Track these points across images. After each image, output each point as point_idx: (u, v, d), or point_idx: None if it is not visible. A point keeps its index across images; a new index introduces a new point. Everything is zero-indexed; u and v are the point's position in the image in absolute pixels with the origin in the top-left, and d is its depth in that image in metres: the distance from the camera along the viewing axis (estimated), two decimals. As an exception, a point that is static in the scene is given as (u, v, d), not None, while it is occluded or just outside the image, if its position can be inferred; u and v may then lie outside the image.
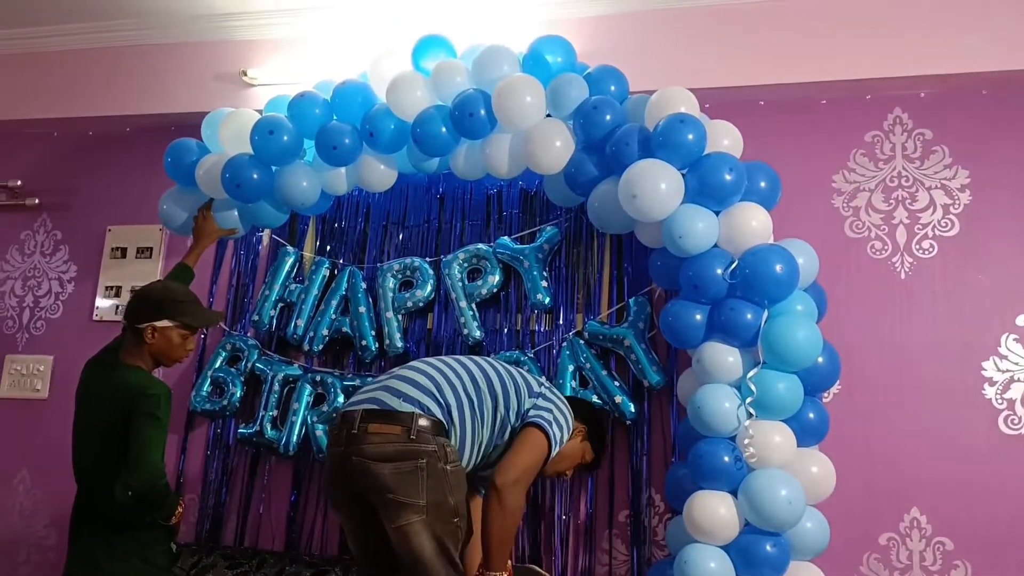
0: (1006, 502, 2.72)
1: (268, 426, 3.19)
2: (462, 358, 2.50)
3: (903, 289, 2.95)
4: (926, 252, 2.97)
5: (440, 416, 2.26)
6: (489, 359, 2.58)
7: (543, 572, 2.83)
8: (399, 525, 2.12)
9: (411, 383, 2.30)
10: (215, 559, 2.98)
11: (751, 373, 2.51)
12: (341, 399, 3.15)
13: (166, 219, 3.10)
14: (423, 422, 2.18)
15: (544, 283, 3.11)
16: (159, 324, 2.43)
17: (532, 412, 2.41)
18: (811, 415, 2.59)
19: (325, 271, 3.33)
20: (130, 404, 2.35)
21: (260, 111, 3.04)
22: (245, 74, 3.44)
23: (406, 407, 2.19)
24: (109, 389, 2.42)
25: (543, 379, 2.58)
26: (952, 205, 2.99)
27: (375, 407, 2.19)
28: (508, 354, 3.04)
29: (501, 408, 2.40)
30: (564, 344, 3.05)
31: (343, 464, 2.18)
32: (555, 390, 2.54)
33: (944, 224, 2.98)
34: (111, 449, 2.34)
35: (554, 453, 2.41)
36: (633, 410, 2.95)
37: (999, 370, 2.83)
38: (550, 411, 2.42)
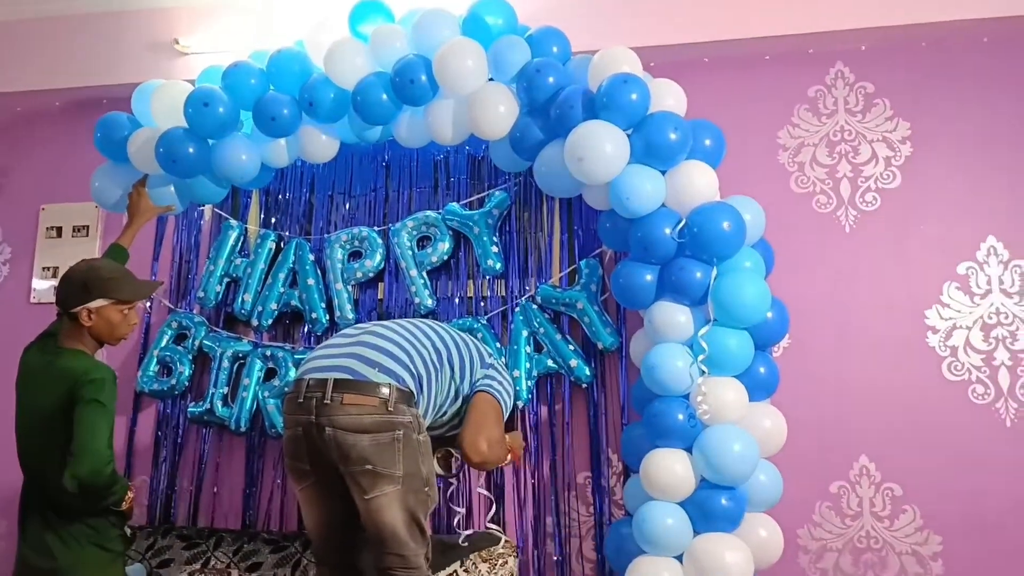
0: (951, 446, 2.80)
1: (219, 403, 3.14)
2: (420, 323, 2.51)
3: (848, 242, 2.99)
4: (869, 205, 3.01)
5: (412, 387, 2.26)
6: (446, 327, 2.59)
7: (503, 534, 2.85)
8: (374, 496, 2.11)
9: (382, 352, 2.28)
10: (171, 540, 2.94)
11: (702, 331, 2.53)
12: (292, 372, 3.11)
13: (98, 197, 2.99)
14: (398, 393, 2.17)
15: (495, 248, 3.09)
16: (93, 305, 2.35)
17: (484, 381, 2.51)
18: (762, 370, 2.62)
19: (271, 244, 3.27)
20: (73, 390, 2.27)
21: (193, 82, 2.94)
22: (177, 42, 3.33)
23: (382, 378, 2.17)
24: (50, 376, 2.34)
25: (494, 351, 2.61)
26: (894, 157, 3.02)
27: (348, 376, 2.15)
28: (461, 321, 3.02)
29: (456, 377, 2.47)
30: (517, 309, 3.04)
31: (313, 433, 2.13)
32: (503, 364, 2.66)
33: (886, 176, 3.01)
34: (56, 437, 2.28)
35: (505, 417, 2.52)
36: (588, 372, 2.96)
37: (942, 318, 2.89)
38: (501, 383, 2.54)
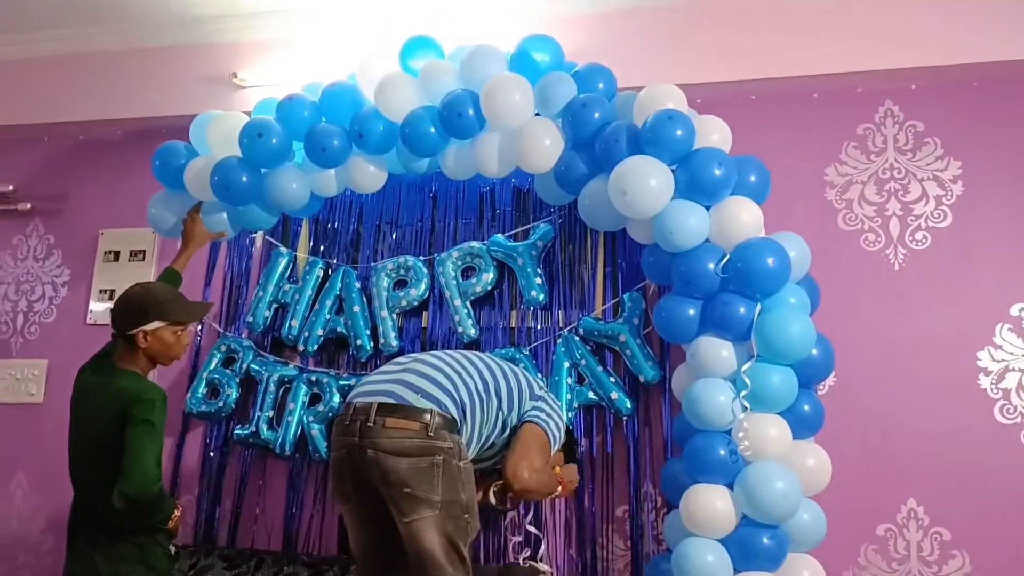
0: (1002, 491, 2.72)
1: (264, 427, 3.20)
2: (470, 355, 2.53)
3: (897, 280, 2.96)
4: (919, 243, 2.97)
5: (455, 414, 2.28)
6: (493, 357, 2.61)
7: (545, 568, 2.84)
8: (412, 520, 2.13)
9: (427, 379, 2.31)
10: (213, 560, 2.99)
11: (745, 366, 2.52)
12: (337, 399, 3.16)
13: (154, 222, 3.09)
14: (440, 419, 2.19)
15: (538, 280, 3.11)
16: (149, 327, 2.42)
17: (532, 412, 2.51)
18: (806, 407, 2.59)
19: (319, 271, 3.33)
20: (125, 410, 2.34)
21: (249, 114, 3.03)
22: (235, 76, 3.44)
23: (424, 403, 2.21)
24: (104, 396, 2.41)
25: (543, 383, 2.61)
26: (944, 196, 2.99)
27: (391, 401, 2.19)
28: (503, 351, 3.04)
29: (504, 408, 2.47)
30: (559, 341, 3.05)
31: (356, 455, 2.18)
32: (553, 397, 2.64)
33: (937, 215, 2.98)
34: (107, 456, 2.34)
35: (554, 449, 2.49)
36: (629, 406, 2.95)
37: (994, 360, 2.83)
38: (549, 415, 2.53)
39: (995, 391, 2.81)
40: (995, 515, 2.71)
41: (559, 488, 2.58)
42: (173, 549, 2.48)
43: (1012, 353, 2.82)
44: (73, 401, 2.50)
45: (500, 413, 2.46)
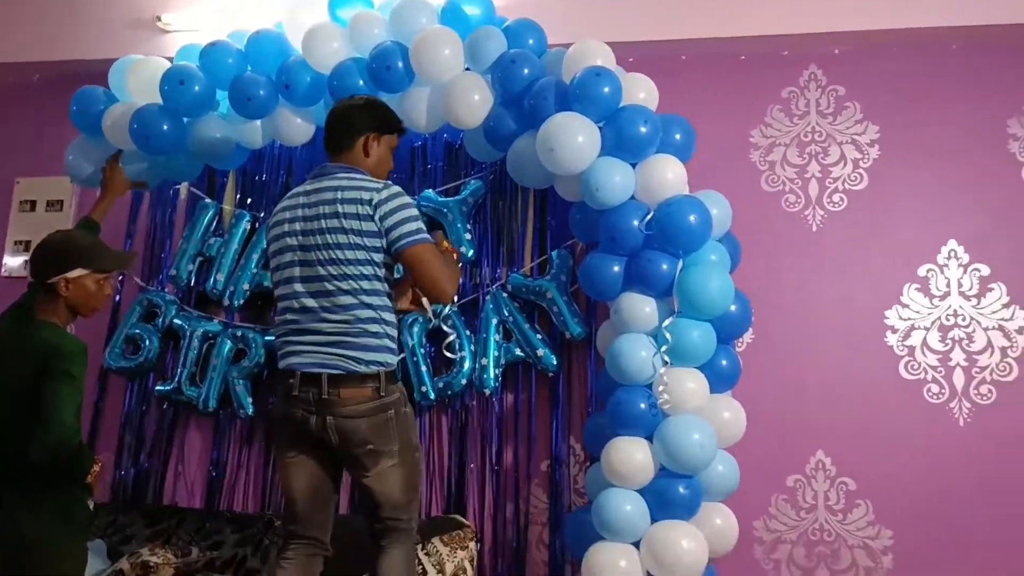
0: (905, 443, 2.86)
1: (186, 383, 3.16)
2: (334, 283, 2.29)
3: (814, 241, 3.05)
4: (836, 205, 3.07)
5: (394, 362, 2.33)
6: (332, 252, 2.29)
7: (466, 521, 2.89)
8: (377, 471, 2.26)
9: (359, 340, 2.27)
10: (133, 518, 2.96)
11: (666, 322, 2.57)
12: (263, 354, 3.13)
13: (72, 170, 2.99)
14: (385, 376, 2.28)
15: (468, 236, 3.12)
16: (71, 275, 2.35)
17: (401, 240, 2.26)
18: (724, 362, 2.67)
19: (246, 224, 3.28)
20: (44, 362, 2.28)
21: (171, 59, 2.95)
22: (159, 20, 3.33)
23: (371, 368, 2.26)
24: (22, 348, 2.34)
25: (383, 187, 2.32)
26: (862, 159, 3.08)
27: (340, 372, 2.25)
28: (434, 307, 3.03)
29: (380, 274, 2.31)
30: (488, 297, 3.07)
31: (314, 421, 2.26)
32: (389, 193, 2.29)
33: (854, 178, 3.07)
34: (25, 409, 2.28)
35: (433, 239, 2.33)
36: (555, 362, 3.00)
37: (901, 318, 2.96)
38: (411, 230, 2.27)
39: (901, 348, 2.93)
40: (898, 467, 2.85)
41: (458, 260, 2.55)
42: (91, 505, 2.44)
43: (918, 312, 2.95)
44: None
45: (380, 282, 2.31)
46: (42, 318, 2.37)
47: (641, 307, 2.62)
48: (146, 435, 3.22)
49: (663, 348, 2.56)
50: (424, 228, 2.29)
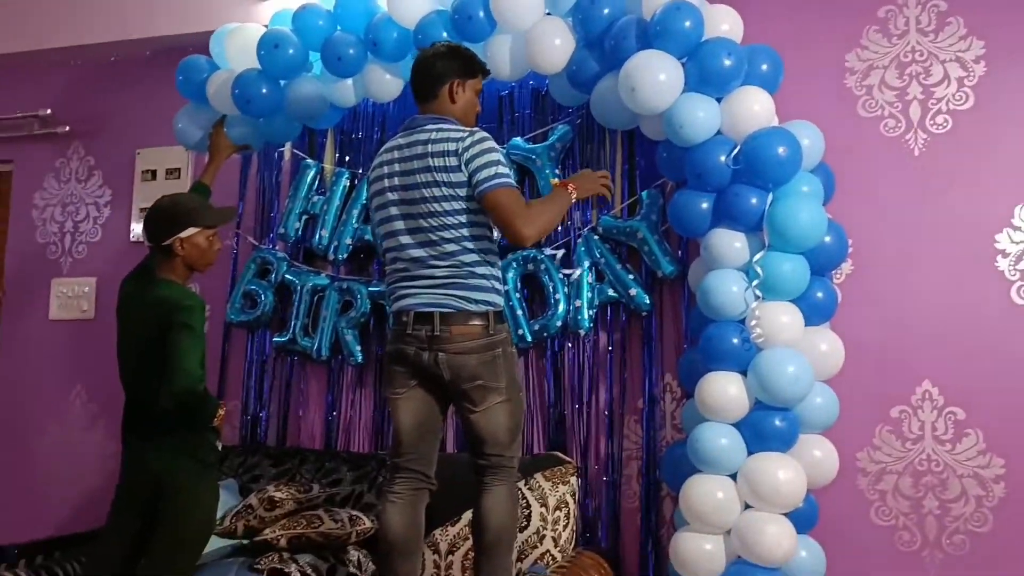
0: (1017, 370, 2.76)
1: (300, 334, 3.36)
2: (437, 235, 2.37)
3: (917, 166, 2.94)
4: (940, 127, 2.94)
5: (501, 303, 2.44)
6: (430, 205, 2.37)
7: (566, 458, 2.98)
8: (484, 408, 2.36)
9: (465, 279, 2.37)
10: (259, 459, 3.20)
11: (757, 256, 2.56)
12: (368, 305, 3.29)
13: (181, 137, 3.19)
14: (494, 315, 2.39)
15: (556, 180, 3.14)
16: (184, 234, 2.54)
17: (476, 185, 2.32)
18: (819, 294, 2.63)
19: (345, 182, 3.42)
20: (166, 317, 2.48)
21: (266, 26, 3.08)
22: (254, -12, 3.47)
23: (481, 308, 2.37)
24: (146, 305, 2.56)
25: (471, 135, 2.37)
26: (967, 78, 2.93)
27: (451, 310, 2.36)
28: (526, 252, 3.11)
29: (481, 219, 2.38)
30: (579, 240, 3.12)
31: (425, 356, 2.37)
32: (478, 140, 2.35)
33: (959, 98, 2.93)
34: (152, 360, 2.49)
35: (515, 184, 2.38)
36: (648, 301, 3.03)
37: (1012, 241, 2.83)
38: (484, 166, 2.32)
39: (1012, 272, 2.81)
40: (1009, 394, 2.75)
41: (573, 193, 2.47)
42: (219, 446, 2.65)
43: (1032, 234, 2.81)
44: (118, 311, 2.65)
45: (483, 228, 2.39)
46: (162, 277, 2.57)
47: (731, 242, 2.61)
48: (267, 383, 3.45)
49: (754, 283, 2.55)
50: (505, 172, 2.33)
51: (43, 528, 3.29)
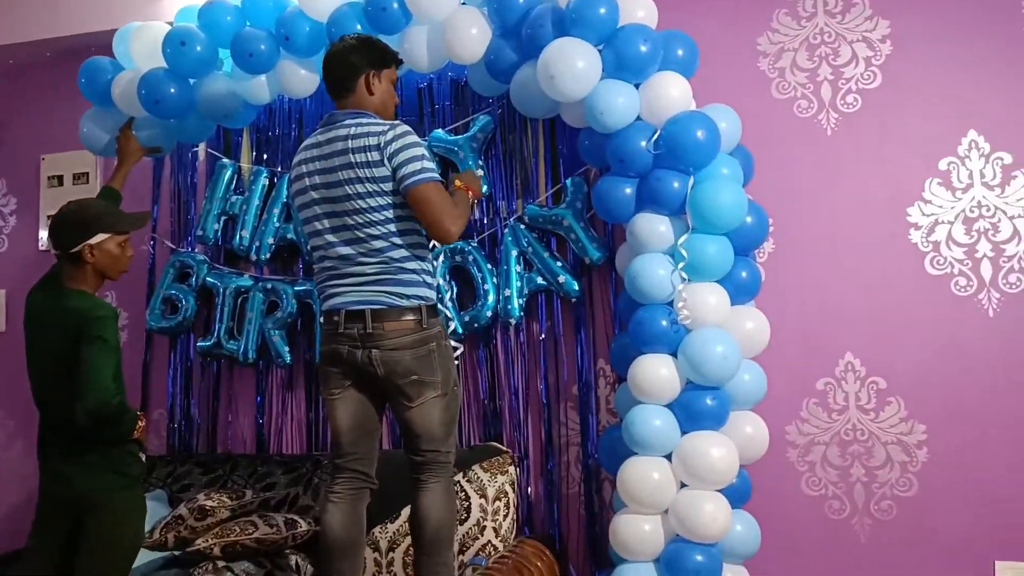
0: (934, 338, 2.86)
1: (225, 337, 3.28)
2: (363, 231, 2.35)
3: (830, 145, 3.01)
4: (850, 106, 3.02)
5: (433, 296, 2.41)
6: (354, 202, 2.34)
7: (504, 448, 2.98)
8: (419, 403, 2.35)
9: (395, 274, 2.35)
10: (189, 467, 3.11)
11: (681, 239, 2.59)
12: (294, 305, 3.23)
13: (87, 141, 3.07)
14: (427, 309, 2.37)
15: (480, 171, 3.13)
16: (94, 241, 2.43)
17: (406, 181, 2.29)
18: (743, 274, 2.68)
19: (264, 180, 3.35)
20: (78, 329, 2.37)
21: (171, 23, 2.97)
22: (157, -15, 3.35)
23: (413, 303, 2.35)
24: (55, 316, 2.45)
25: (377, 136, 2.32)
26: (874, 57, 3.02)
27: (383, 307, 2.33)
28: (453, 245, 3.09)
29: (407, 213, 2.35)
30: (506, 230, 3.11)
31: (359, 355, 2.34)
32: (399, 134, 2.32)
33: (867, 77, 3.01)
34: (66, 375, 2.39)
35: (440, 178, 2.36)
36: (577, 288, 3.04)
37: (924, 214, 2.92)
38: (416, 169, 2.29)
39: (925, 244, 2.91)
40: (928, 362, 2.86)
41: (470, 197, 2.48)
42: (143, 458, 2.56)
43: (941, 207, 2.91)
44: (26, 324, 2.53)
45: (411, 222, 2.36)
46: (71, 286, 2.46)
47: (655, 226, 2.63)
48: (194, 389, 3.35)
49: (680, 265, 2.58)
50: (430, 167, 2.31)
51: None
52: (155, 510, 2.87)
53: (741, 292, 2.68)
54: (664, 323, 2.60)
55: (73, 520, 2.41)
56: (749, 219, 2.65)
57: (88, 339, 2.33)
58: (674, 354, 2.61)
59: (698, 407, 2.55)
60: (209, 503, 2.72)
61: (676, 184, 2.58)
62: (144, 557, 2.67)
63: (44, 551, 2.45)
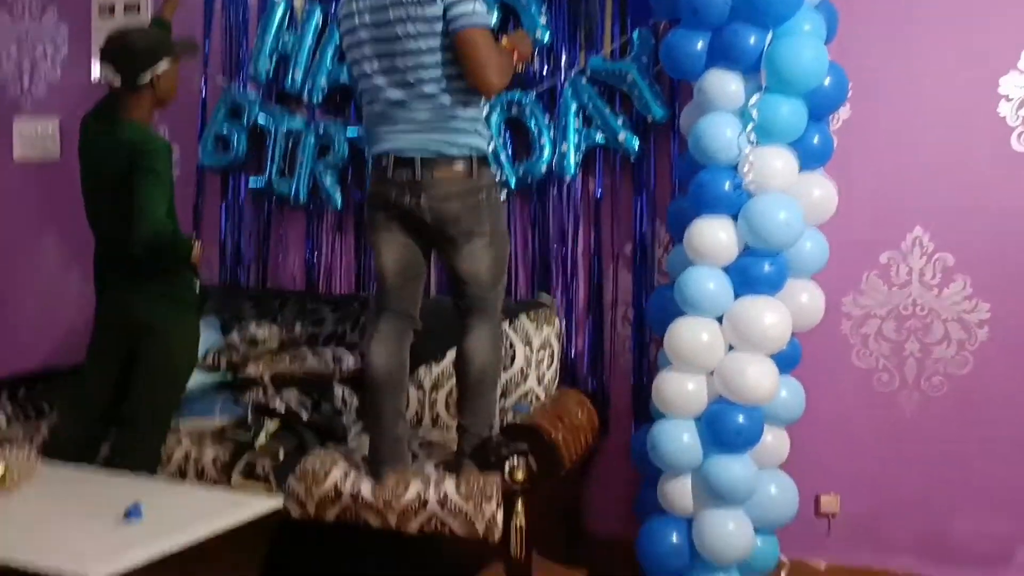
0: (1011, 218, 2.72)
1: (276, 177, 3.25)
2: (414, 75, 2.30)
3: (919, 4, 2.79)
4: (946, -37, 2.78)
5: (485, 146, 2.39)
6: (405, 44, 2.29)
7: (551, 300, 2.97)
8: (468, 251, 2.36)
9: (446, 121, 2.32)
10: (240, 300, 3.17)
11: (753, 99, 2.46)
12: (346, 149, 3.18)
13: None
14: (478, 160, 2.35)
15: (543, 19, 2.99)
16: (160, 69, 2.41)
17: (454, 22, 2.25)
18: (815, 139, 2.55)
19: (318, 19, 3.24)
20: (131, 161, 2.38)
21: None
22: None
23: (464, 152, 2.33)
24: (110, 147, 2.44)
25: None
26: (982, -94, 2.75)
27: (432, 155, 2.31)
28: (510, 96, 2.99)
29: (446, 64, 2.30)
30: (566, 84, 2.99)
31: (408, 200, 2.33)
32: None
33: (968, -70, 2.76)
34: (120, 204, 2.40)
35: (491, 26, 2.36)
36: (637, 145, 2.94)
37: (1017, 86, 2.73)
38: (466, 12, 2.24)
39: (1014, 119, 2.73)
40: (1000, 241, 2.73)
41: (516, 58, 2.44)
42: (198, 284, 2.59)
43: (1037, 77, 2.72)
44: (80, 152, 2.54)
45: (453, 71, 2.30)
46: (127, 117, 2.45)
47: (726, 84, 2.50)
48: (245, 228, 3.37)
49: (750, 127, 2.47)
50: (481, 11, 2.24)
51: (24, 365, 3.27)
52: (208, 336, 2.94)
53: (811, 158, 2.56)
54: (727, 186, 2.51)
55: (129, 343, 2.47)
56: (827, 80, 2.50)
57: (142, 170, 2.33)
58: (734, 218, 2.53)
59: (755, 272, 2.49)
60: (261, 332, 2.80)
61: (753, 39, 2.43)
62: (197, 378, 2.77)
63: (101, 369, 2.54)
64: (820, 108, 2.55)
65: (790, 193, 2.49)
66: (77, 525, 1.78)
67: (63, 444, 2.50)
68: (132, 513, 1.77)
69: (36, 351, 3.55)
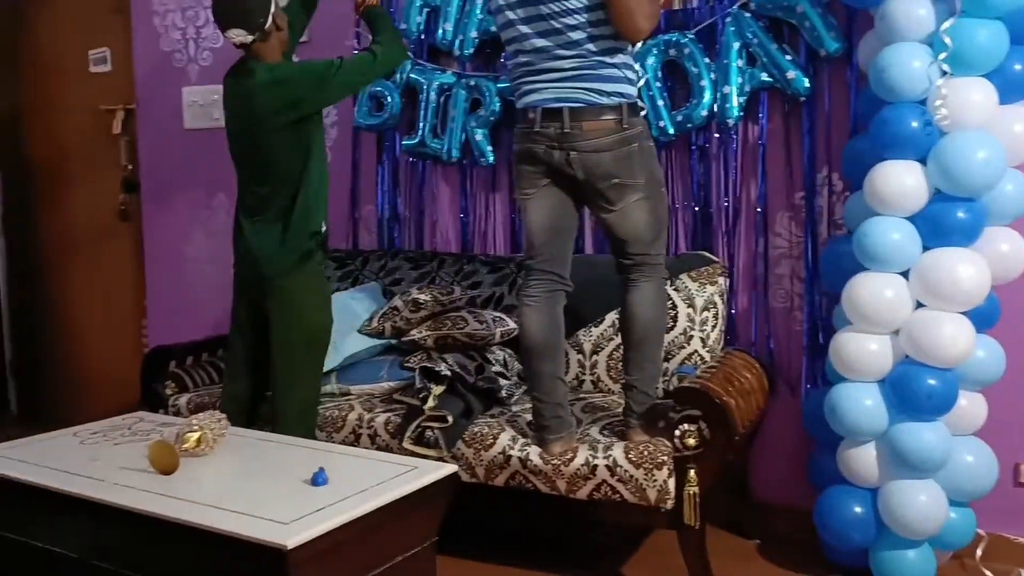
0: None
1: (429, 135, 3.24)
2: (559, 21, 2.25)
3: None
4: None
5: (634, 93, 2.33)
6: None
7: (714, 257, 2.83)
8: (623, 207, 2.30)
9: (594, 69, 2.27)
10: (399, 262, 3.21)
11: (946, 24, 2.23)
12: (498, 103, 3.12)
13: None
14: (627, 108, 2.28)
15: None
16: (274, 11, 2.48)
17: None
18: (1017, 67, 2.30)
19: (467, -32, 3.17)
20: (303, 80, 2.50)
21: None
22: None
23: (613, 100, 2.27)
24: (247, 90, 2.50)
25: None
26: None
27: (581, 105, 2.26)
28: (667, 37, 2.84)
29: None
30: (728, 20, 2.80)
31: (555, 155, 2.30)
32: None
33: None
34: (261, 155, 2.49)
35: None
36: (808, 84, 2.73)
37: None
38: None
39: None
40: None
41: (665, 2, 2.46)
42: (324, 228, 2.57)
43: None
44: (225, 105, 2.61)
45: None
46: (269, 60, 2.53)
47: (914, 9, 2.28)
48: (401, 187, 3.39)
49: (942, 56, 2.23)
50: None
51: (196, 332, 3.44)
52: (370, 301, 3.01)
53: (1012, 89, 2.31)
54: (914, 124, 2.29)
55: (258, 303, 2.54)
56: (1032, -2, 2.23)
57: (359, 56, 2.63)
58: (922, 161, 2.30)
59: (947, 220, 2.28)
60: (422, 297, 2.81)
61: (944, -44, 2.18)
62: (365, 343, 2.85)
63: (241, 334, 2.63)
64: (1022, 31, 2.27)
65: (988, 130, 2.26)
66: (268, 490, 1.84)
67: (226, 404, 2.60)
68: (318, 479, 1.82)
69: (217, 316, 3.73)
